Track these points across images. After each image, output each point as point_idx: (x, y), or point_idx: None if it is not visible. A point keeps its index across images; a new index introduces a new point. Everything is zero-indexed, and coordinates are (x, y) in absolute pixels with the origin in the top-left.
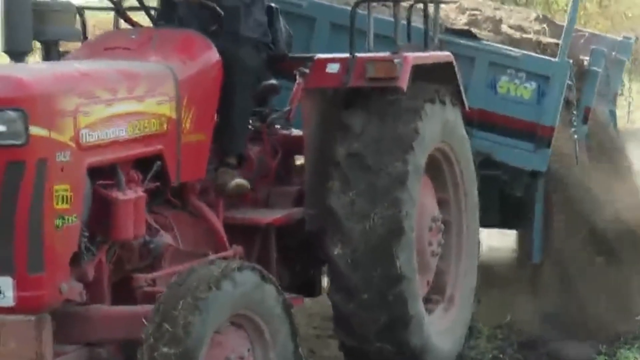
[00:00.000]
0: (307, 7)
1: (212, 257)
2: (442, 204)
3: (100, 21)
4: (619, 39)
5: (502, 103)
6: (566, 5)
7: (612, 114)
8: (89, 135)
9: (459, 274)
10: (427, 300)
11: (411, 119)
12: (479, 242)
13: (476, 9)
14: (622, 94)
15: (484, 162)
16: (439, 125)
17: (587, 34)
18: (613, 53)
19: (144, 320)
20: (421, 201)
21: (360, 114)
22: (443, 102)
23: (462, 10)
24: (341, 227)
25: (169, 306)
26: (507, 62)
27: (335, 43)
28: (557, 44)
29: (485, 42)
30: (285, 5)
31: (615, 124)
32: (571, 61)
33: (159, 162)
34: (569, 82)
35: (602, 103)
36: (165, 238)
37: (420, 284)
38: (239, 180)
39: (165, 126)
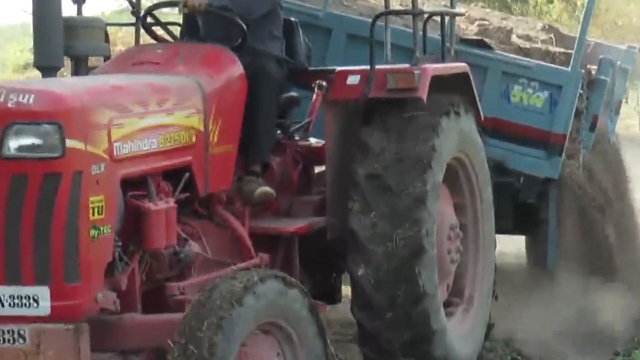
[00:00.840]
0: (324, 18)
1: (236, 267)
2: (458, 208)
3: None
4: (623, 48)
5: (515, 112)
6: (559, 15)
7: (612, 121)
8: (122, 147)
9: (477, 276)
10: (447, 304)
11: (428, 136)
12: (495, 243)
13: (484, 19)
14: (626, 102)
15: (498, 170)
16: (455, 137)
17: (592, 43)
18: (618, 62)
19: (169, 341)
20: (440, 211)
21: (379, 132)
22: (458, 113)
23: (471, 20)
24: (364, 249)
25: (194, 327)
26: (520, 72)
27: (351, 53)
28: (565, 53)
29: (498, 52)
30: (302, 16)
31: (613, 132)
32: (583, 71)
33: (187, 174)
34: (580, 92)
35: (605, 112)
36: (194, 247)
37: (441, 290)
38: (264, 188)
39: (193, 138)
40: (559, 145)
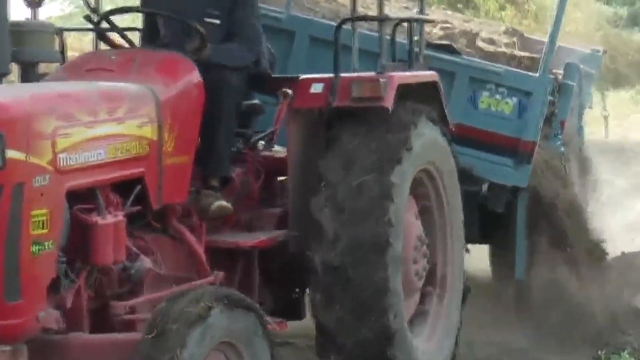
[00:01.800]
0: (286, 21)
1: (190, 285)
2: (426, 222)
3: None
4: (588, 51)
5: (482, 118)
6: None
7: (581, 129)
8: (68, 158)
9: (446, 289)
10: (415, 318)
11: (393, 154)
12: (463, 270)
13: (447, 22)
14: (591, 108)
15: (464, 178)
16: (423, 149)
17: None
18: (582, 66)
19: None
20: (406, 227)
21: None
22: (426, 124)
23: (433, 24)
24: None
25: (150, 355)
26: (488, 77)
27: (314, 57)
28: (531, 58)
29: (466, 57)
30: (264, 18)
31: (582, 140)
32: (552, 77)
33: (139, 185)
34: (550, 98)
35: (572, 117)
36: (146, 263)
37: (407, 306)
38: (221, 203)
39: (146, 148)
40: (528, 152)
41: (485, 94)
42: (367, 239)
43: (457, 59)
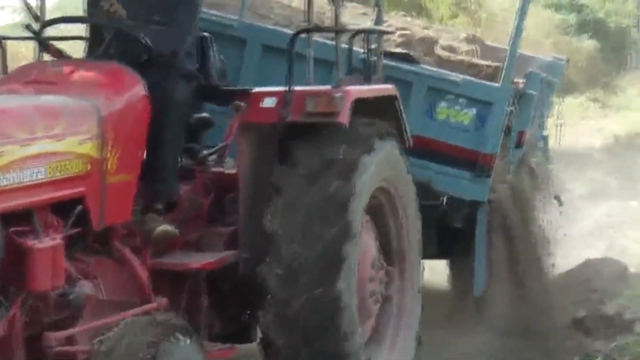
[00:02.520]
0: (238, 29)
1: (132, 312)
2: (383, 242)
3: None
4: (550, 59)
5: (440, 129)
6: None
7: (545, 139)
8: (2, 178)
9: (403, 310)
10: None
11: (348, 174)
12: (420, 276)
13: (406, 29)
14: (550, 117)
15: (422, 192)
16: (379, 167)
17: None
18: (544, 75)
19: None
20: (362, 249)
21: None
22: (384, 139)
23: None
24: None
25: None
26: (447, 87)
27: (267, 66)
28: (491, 66)
29: (424, 66)
30: (215, 26)
31: (547, 149)
32: (513, 87)
33: (80, 206)
34: (510, 109)
35: (533, 126)
36: (86, 288)
37: (363, 331)
38: (165, 228)
39: (87, 167)
40: (487, 166)
41: (444, 104)
42: (322, 256)
43: (414, 68)
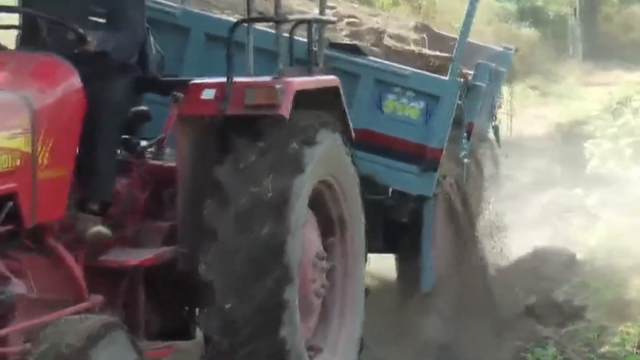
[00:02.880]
0: (181, 17)
1: (65, 312)
2: (326, 235)
3: None
4: (499, 49)
5: (387, 123)
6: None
7: (495, 129)
8: None
9: (346, 306)
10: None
11: (290, 166)
12: (365, 290)
13: (353, 16)
14: (500, 107)
15: (367, 186)
16: (322, 160)
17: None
18: (493, 64)
19: None
20: (304, 243)
21: (234, 164)
22: (326, 133)
23: (339, 18)
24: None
25: None
26: (394, 80)
27: (210, 55)
28: (440, 57)
29: (371, 58)
30: (156, 13)
31: (498, 140)
32: (462, 80)
33: (10, 202)
34: (459, 102)
35: (482, 118)
36: (18, 287)
37: (305, 327)
38: (99, 229)
39: (17, 162)
40: (434, 160)
41: (391, 97)
42: (264, 250)
43: (361, 60)
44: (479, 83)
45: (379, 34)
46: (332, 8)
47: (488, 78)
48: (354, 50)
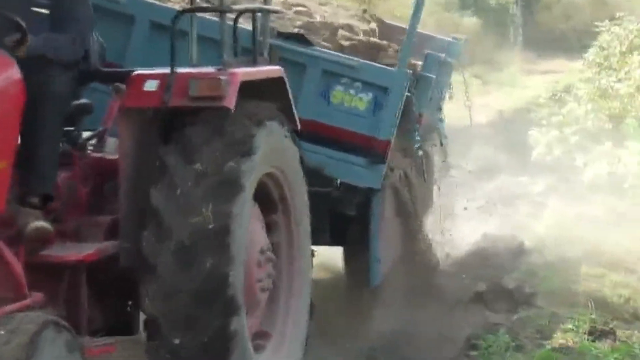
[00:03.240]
0: (125, 4)
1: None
2: (271, 227)
3: None
4: (449, 39)
5: (335, 114)
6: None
7: (441, 121)
8: None
9: (291, 301)
10: (257, 335)
11: (236, 157)
12: (311, 263)
13: (301, 5)
14: (451, 98)
15: (314, 178)
16: (268, 152)
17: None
18: (442, 56)
19: None
20: (249, 235)
21: (179, 152)
22: (272, 124)
23: (287, 6)
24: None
25: None
26: (342, 71)
27: (155, 44)
28: (391, 47)
29: (318, 48)
30: (101, 0)
31: (443, 133)
32: (411, 72)
33: None
34: (407, 94)
35: (431, 109)
36: None
37: (250, 322)
38: (39, 224)
39: None
40: (382, 152)
41: (339, 88)
42: (207, 285)
43: (308, 50)
44: (428, 74)
45: (332, 28)
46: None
47: (437, 69)
48: (301, 39)
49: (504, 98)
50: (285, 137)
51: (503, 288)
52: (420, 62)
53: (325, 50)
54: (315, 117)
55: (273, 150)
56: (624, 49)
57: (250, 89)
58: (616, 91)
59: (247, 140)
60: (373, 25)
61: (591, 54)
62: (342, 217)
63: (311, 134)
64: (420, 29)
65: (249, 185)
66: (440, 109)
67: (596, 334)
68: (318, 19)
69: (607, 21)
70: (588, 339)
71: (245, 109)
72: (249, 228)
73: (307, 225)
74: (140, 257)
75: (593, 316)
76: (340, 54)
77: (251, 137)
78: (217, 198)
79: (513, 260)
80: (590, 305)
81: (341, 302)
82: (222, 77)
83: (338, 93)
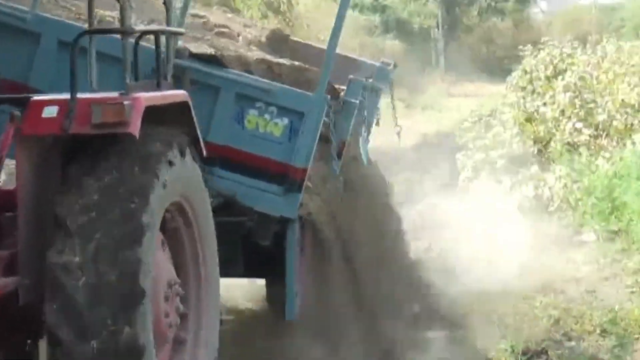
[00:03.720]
0: (32, 22)
1: None
2: (178, 260)
3: None
4: (377, 64)
5: (249, 140)
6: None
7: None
8: None
9: (199, 337)
10: None
11: (140, 190)
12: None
13: (224, 26)
14: (378, 125)
15: (227, 206)
16: (173, 182)
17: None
18: (369, 80)
19: None
20: (155, 270)
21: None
22: (178, 150)
23: (210, 27)
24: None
25: None
26: (257, 95)
27: (63, 63)
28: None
29: (232, 70)
30: (5, 17)
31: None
32: (329, 97)
33: None
34: (325, 119)
35: (356, 135)
36: None
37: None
38: None
39: None
40: (298, 180)
41: (253, 112)
42: (113, 287)
43: (221, 73)
44: (351, 99)
45: (250, 45)
46: (202, 17)
47: (361, 94)
48: (214, 61)
49: (427, 121)
50: (192, 164)
51: (436, 309)
52: (344, 87)
53: (239, 72)
54: (229, 143)
55: (178, 178)
56: (549, 73)
57: (155, 115)
58: (542, 115)
59: (153, 168)
60: (295, 47)
61: (515, 77)
62: (257, 247)
63: (225, 160)
64: (343, 52)
65: (154, 219)
66: (367, 136)
67: (529, 354)
68: (241, 40)
69: (529, 45)
70: (522, 359)
71: (150, 136)
72: (154, 261)
73: (215, 256)
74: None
75: (525, 336)
76: (255, 77)
77: (157, 164)
78: (121, 241)
79: (445, 284)
80: (523, 327)
81: (259, 337)
82: (126, 102)
83: (253, 118)
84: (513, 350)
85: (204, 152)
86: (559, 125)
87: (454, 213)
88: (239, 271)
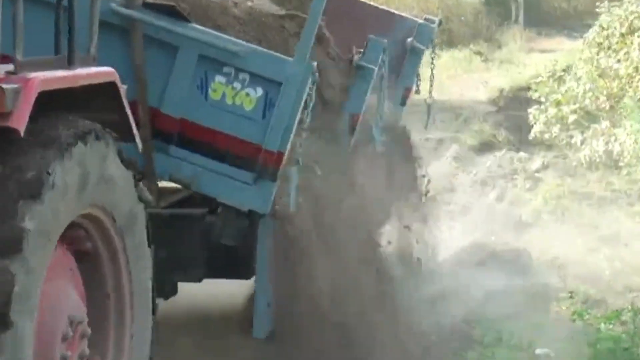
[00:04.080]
0: None
1: None
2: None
3: None
4: (419, 21)
5: (213, 113)
6: None
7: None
8: None
9: None
10: None
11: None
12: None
13: None
14: (418, 93)
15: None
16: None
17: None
18: (409, 39)
19: None
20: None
21: None
22: (94, 145)
23: None
24: None
25: None
26: (224, 58)
27: None
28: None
29: (195, 25)
30: None
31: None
32: (315, 63)
33: None
34: (310, 92)
35: (380, 107)
36: None
37: None
38: None
39: None
40: (270, 167)
41: (220, 79)
42: None
43: (180, 28)
44: (368, 64)
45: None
46: None
47: (381, 59)
48: (173, 13)
49: (503, 75)
50: (115, 165)
51: (501, 256)
52: (359, 50)
53: (203, 29)
54: (187, 115)
55: (92, 184)
56: (623, 31)
57: (61, 101)
58: (615, 71)
59: (46, 169)
60: None
61: (592, 33)
62: (220, 248)
63: (181, 137)
64: (423, 7)
65: (47, 228)
66: (402, 105)
67: (589, 302)
68: None
69: (606, 2)
70: (582, 307)
71: (48, 128)
72: (49, 291)
73: (148, 288)
74: None
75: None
76: (223, 35)
77: (53, 165)
78: None
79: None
80: (585, 276)
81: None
82: (7, 86)
83: (218, 86)
84: (573, 297)
85: (140, 146)
86: (631, 82)
87: (524, 165)
88: (198, 274)
